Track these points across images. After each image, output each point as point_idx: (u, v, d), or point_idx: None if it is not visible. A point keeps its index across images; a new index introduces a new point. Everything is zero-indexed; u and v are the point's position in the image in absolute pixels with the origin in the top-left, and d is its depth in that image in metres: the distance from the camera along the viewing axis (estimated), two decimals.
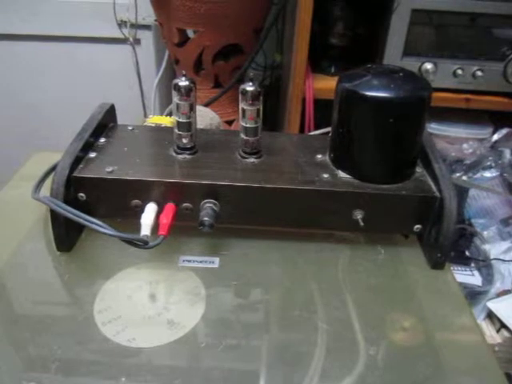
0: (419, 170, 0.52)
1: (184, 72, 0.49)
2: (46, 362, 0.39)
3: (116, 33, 1.29)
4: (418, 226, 0.50)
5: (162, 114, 0.70)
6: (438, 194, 0.48)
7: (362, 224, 0.48)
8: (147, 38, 1.33)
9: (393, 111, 0.46)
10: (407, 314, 0.46)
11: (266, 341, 0.43)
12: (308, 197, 0.48)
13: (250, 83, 0.48)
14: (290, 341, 0.43)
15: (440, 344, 0.43)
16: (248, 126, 0.50)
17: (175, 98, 0.49)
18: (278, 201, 0.49)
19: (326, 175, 0.50)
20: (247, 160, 0.52)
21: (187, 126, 0.50)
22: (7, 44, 1.37)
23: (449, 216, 0.46)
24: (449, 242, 0.47)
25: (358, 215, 0.49)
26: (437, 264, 0.49)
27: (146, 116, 1.32)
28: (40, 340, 0.42)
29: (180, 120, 0.50)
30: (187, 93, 0.48)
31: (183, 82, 0.48)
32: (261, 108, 0.50)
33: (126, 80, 1.36)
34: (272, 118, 1.33)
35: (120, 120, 0.60)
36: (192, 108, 0.50)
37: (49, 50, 1.37)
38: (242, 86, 0.48)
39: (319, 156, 0.53)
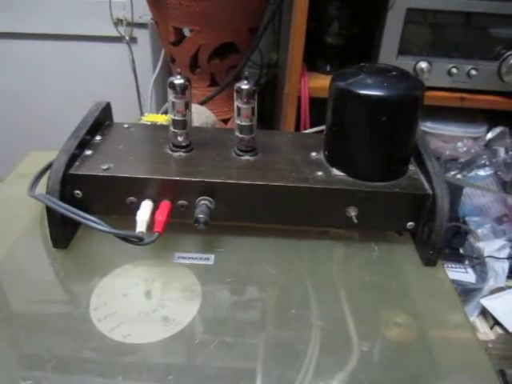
0: (412, 167, 0.52)
1: (179, 70, 0.49)
2: (42, 360, 0.39)
3: (112, 31, 1.29)
4: (411, 224, 0.50)
5: (158, 112, 0.70)
6: (430, 191, 0.48)
7: (355, 221, 0.49)
8: (143, 37, 1.33)
9: (386, 110, 0.46)
10: (400, 311, 0.46)
11: (260, 338, 0.43)
12: (302, 194, 0.49)
13: (245, 81, 0.48)
14: (284, 337, 0.43)
15: (432, 340, 0.44)
16: (243, 124, 0.50)
17: (170, 96, 0.49)
18: (272, 198, 0.49)
19: (320, 173, 0.50)
20: (242, 158, 0.52)
21: (182, 124, 0.51)
22: (3, 42, 1.37)
23: (441, 213, 0.47)
24: (441, 239, 0.48)
25: (352, 212, 0.49)
26: (429, 261, 0.50)
27: (142, 114, 1.32)
28: (36, 337, 0.42)
29: (175, 118, 0.50)
30: (182, 91, 0.49)
31: (178, 80, 0.48)
32: (255, 106, 0.50)
33: (122, 78, 1.36)
34: (268, 117, 1.34)
35: (116, 118, 0.60)
36: (187, 106, 0.50)
37: (45, 48, 1.37)
38: (237, 85, 0.49)
39: (313, 154, 0.54)
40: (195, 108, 0.74)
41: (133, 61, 1.34)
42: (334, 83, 0.49)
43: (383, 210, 0.50)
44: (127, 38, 1.30)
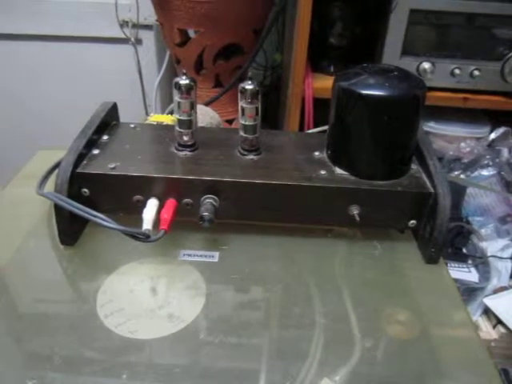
0: (414, 166, 0.52)
1: (184, 71, 0.50)
2: (50, 356, 0.40)
3: (118, 33, 1.30)
4: (413, 222, 0.51)
5: (163, 113, 0.71)
6: (432, 189, 0.49)
7: (358, 219, 0.49)
8: (149, 38, 1.34)
9: (388, 109, 0.47)
10: (402, 308, 0.47)
11: (264, 335, 0.44)
12: (305, 193, 0.49)
13: (249, 82, 0.49)
14: (287, 334, 0.44)
15: (434, 338, 0.44)
16: (247, 123, 0.51)
17: (176, 97, 0.50)
18: (275, 197, 0.50)
19: (323, 172, 0.51)
20: (246, 157, 0.53)
21: (188, 124, 0.51)
22: (9, 44, 1.38)
23: (442, 211, 0.47)
24: (442, 237, 0.48)
25: (355, 211, 0.49)
26: (431, 259, 0.50)
27: (147, 115, 1.33)
28: (44, 334, 0.43)
29: (181, 118, 0.51)
30: (188, 91, 0.49)
31: (184, 81, 0.49)
32: (259, 106, 0.51)
33: (127, 79, 1.37)
34: (272, 117, 1.34)
35: (122, 118, 0.61)
36: (192, 106, 0.51)
37: (51, 50, 1.38)
38: (241, 85, 0.49)
39: (317, 153, 0.54)
40: (200, 108, 0.75)
41: (138, 62, 1.35)
42: (336, 83, 0.49)
43: (385, 209, 0.50)
44: (133, 39, 1.31)
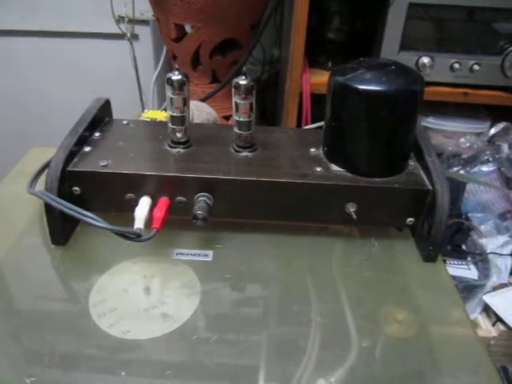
0: (412, 163, 0.52)
1: (177, 66, 0.49)
2: (44, 356, 0.40)
3: (114, 28, 1.29)
4: (410, 219, 0.50)
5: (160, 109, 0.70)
6: (430, 187, 0.48)
7: (354, 217, 0.48)
8: (145, 34, 1.33)
9: (385, 105, 0.46)
10: (400, 307, 0.46)
11: (259, 334, 0.43)
12: (301, 190, 0.49)
13: (243, 77, 0.48)
14: (283, 333, 0.43)
15: (432, 336, 0.44)
16: (241, 119, 0.50)
17: (168, 93, 0.49)
18: (271, 194, 0.49)
19: (319, 169, 0.50)
20: (241, 154, 0.52)
21: (181, 120, 0.51)
22: (4, 40, 1.37)
23: (441, 209, 0.47)
24: (441, 234, 0.47)
25: (351, 208, 0.49)
26: (429, 257, 0.50)
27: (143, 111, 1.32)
28: (37, 334, 0.42)
29: (173, 114, 0.50)
30: (180, 87, 0.49)
31: (176, 76, 0.48)
32: (254, 102, 0.50)
33: (124, 76, 1.36)
34: (270, 113, 1.33)
35: (118, 115, 0.60)
36: (185, 102, 0.50)
37: (46, 45, 1.37)
38: (235, 80, 0.48)
39: (313, 150, 0.53)
40: (196, 105, 0.74)
41: (134, 58, 1.34)
42: (333, 78, 0.48)
43: (383, 206, 0.49)
44: (129, 34, 1.30)
